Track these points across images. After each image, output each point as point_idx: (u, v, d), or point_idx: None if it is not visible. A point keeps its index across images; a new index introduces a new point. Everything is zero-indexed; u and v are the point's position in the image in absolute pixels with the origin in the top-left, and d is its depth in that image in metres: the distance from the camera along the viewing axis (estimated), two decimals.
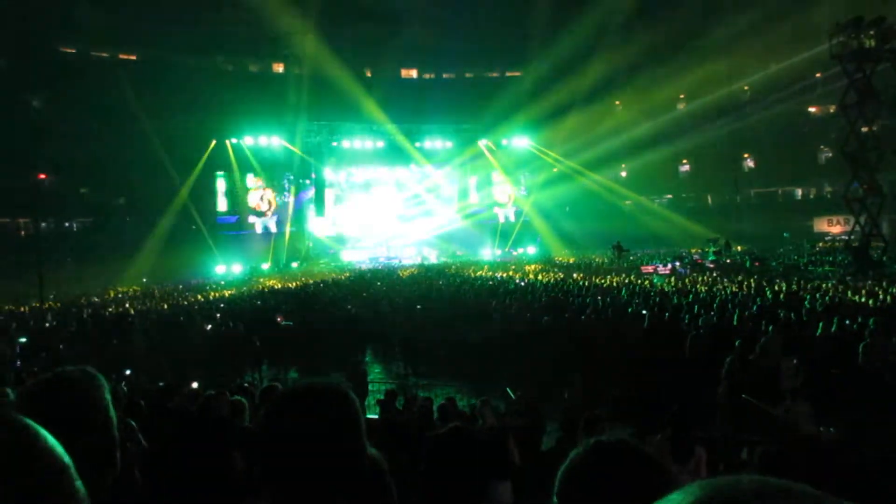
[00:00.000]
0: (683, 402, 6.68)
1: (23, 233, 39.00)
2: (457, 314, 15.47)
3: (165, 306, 21.45)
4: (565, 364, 10.61)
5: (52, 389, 1.52)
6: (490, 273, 28.42)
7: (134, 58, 42.22)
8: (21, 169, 36.56)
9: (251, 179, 43.53)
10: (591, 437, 1.44)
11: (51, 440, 0.72)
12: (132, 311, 20.04)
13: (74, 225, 41.82)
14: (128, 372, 10.93)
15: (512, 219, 49.21)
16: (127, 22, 38.55)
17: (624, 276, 24.02)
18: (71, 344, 14.39)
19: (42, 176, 39.02)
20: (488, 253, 45.80)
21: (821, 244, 34.54)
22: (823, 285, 17.56)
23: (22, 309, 23.17)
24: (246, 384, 9.32)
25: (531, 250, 46.09)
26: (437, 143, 46.19)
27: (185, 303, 22.54)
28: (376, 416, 7.79)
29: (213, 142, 40.78)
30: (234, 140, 41.53)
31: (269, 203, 44.16)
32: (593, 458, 1.38)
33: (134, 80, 37.56)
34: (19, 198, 36.41)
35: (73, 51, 40.48)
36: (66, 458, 0.73)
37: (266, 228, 43.91)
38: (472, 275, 27.77)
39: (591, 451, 1.40)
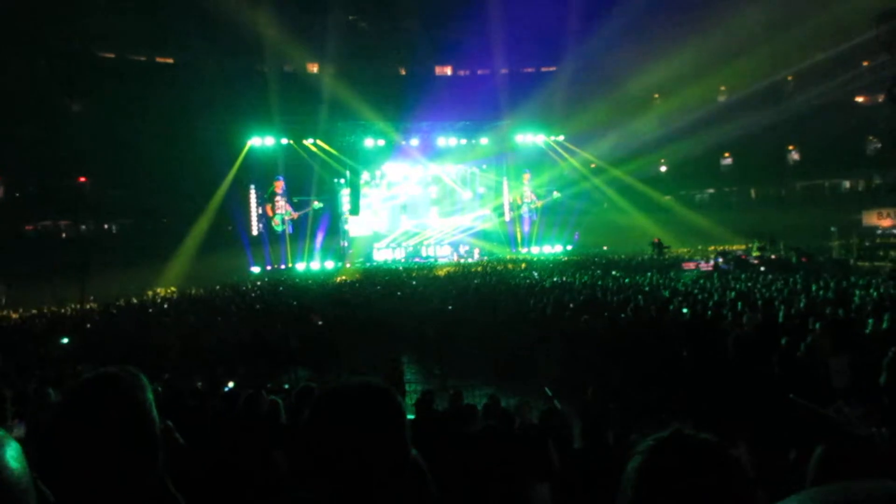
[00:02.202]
0: (723, 400, 6.57)
1: (64, 235, 40.05)
2: (493, 313, 15.45)
3: (201, 306, 21.78)
4: (603, 364, 10.52)
5: (95, 389, 1.56)
6: (528, 272, 28.31)
7: (171, 61, 43.01)
8: (62, 172, 37.59)
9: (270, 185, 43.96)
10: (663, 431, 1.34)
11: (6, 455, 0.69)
12: (170, 313, 20.38)
13: (113, 227, 42.78)
14: (166, 375, 11.12)
15: (547, 215, 48.96)
16: (163, 26, 39.29)
17: (664, 273, 23.74)
18: (109, 345, 14.70)
19: (82, 179, 40.08)
20: (525, 250, 45.71)
21: (869, 241, 33.68)
22: (873, 281, 17.12)
23: (64, 310, 23.76)
24: (286, 385, 9.42)
25: (569, 248, 45.87)
26: (472, 139, 46.08)
27: (222, 297, 22.87)
28: (413, 417, 7.81)
29: (249, 143, 41.35)
30: (269, 141, 42.01)
31: (283, 213, 44.33)
32: (675, 454, 1.27)
33: (171, 83, 38.27)
34: (60, 201, 37.45)
35: (112, 55, 41.39)
36: (20, 476, 0.71)
37: (281, 233, 44.09)
38: (506, 272, 27.74)
39: (671, 445, 1.29)
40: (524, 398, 6.86)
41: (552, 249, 46.11)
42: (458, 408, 7.78)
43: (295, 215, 44.20)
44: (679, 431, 1.31)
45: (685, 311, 12.91)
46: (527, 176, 48.77)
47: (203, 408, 6.81)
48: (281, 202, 44.28)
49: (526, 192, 48.97)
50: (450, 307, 17.33)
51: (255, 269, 39.53)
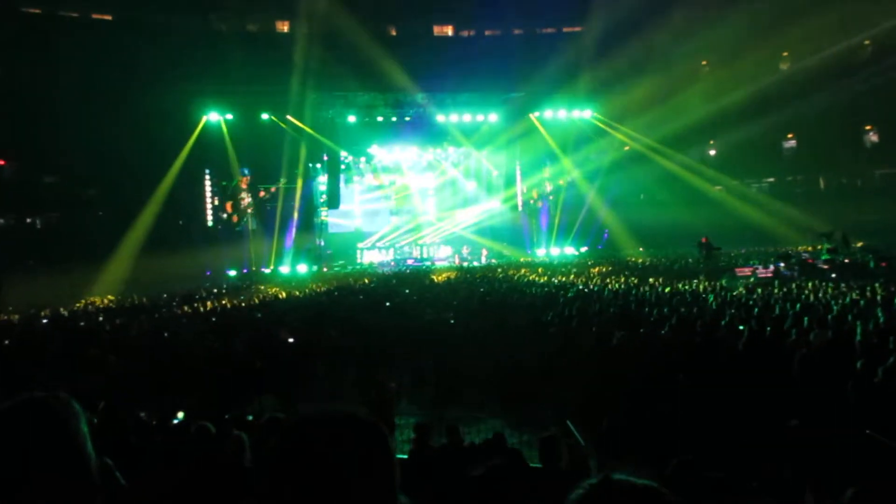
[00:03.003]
0: (787, 434, 6.58)
1: None
2: (504, 329, 15.45)
3: (146, 318, 21.79)
4: (637, 391, 10.52)
5: (18, 418, 1.55)
6: (545, 278, 28.33)
7: (109, 18, 42.91)
8: None
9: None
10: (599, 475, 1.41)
11: None
12: (106, 327, 20.37)
13: (38, 221, 42.71)
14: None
15: (569, 210, 48.93)
16: None
17: (713, 280, 23.76)
18: (32, 365, 14.67)
19: (0, 162, 40.01)
20: (542, 252, 45.69)
21: None
22: None
23: None
24: (250, 417, 9.41)
25: (598, 248, 45.91)
26: (478, 116, 45.95)
27: (171, 314, 22.90)
28: (405, 456, 7.81)
29: (204, 118, 41.28)
30: (229, 116, 41.94)
31: (246, 210, 44.41)
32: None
33: (109, 45, 38.13)
34: None
35: (38, 11, 41.29)
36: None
37: (243, 230, 44.10)
38: (520, 278, 27.79)
39: (601, 493, 1.36)
40: (547, 433, 6.83)
41: (576, 251, 46.09)
42: (456, 445, 7.80)
43: (250, 208, 44.18)
44: (608, 477, 1.38)
45: (741, 327, 12.90)
46: (547, 170, 48.69)
47: (148, 443, 6.81)
48: (246, 199, 44.30)
49: (546, 180, 48.93)
50: (451, 321, 17.34)
51: (211, 273, 39.53)
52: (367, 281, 31.94)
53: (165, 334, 17.82)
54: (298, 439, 1.38)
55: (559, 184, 49.00)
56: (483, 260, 44.08)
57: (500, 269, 34.51)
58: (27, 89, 36.78)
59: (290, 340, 16.14)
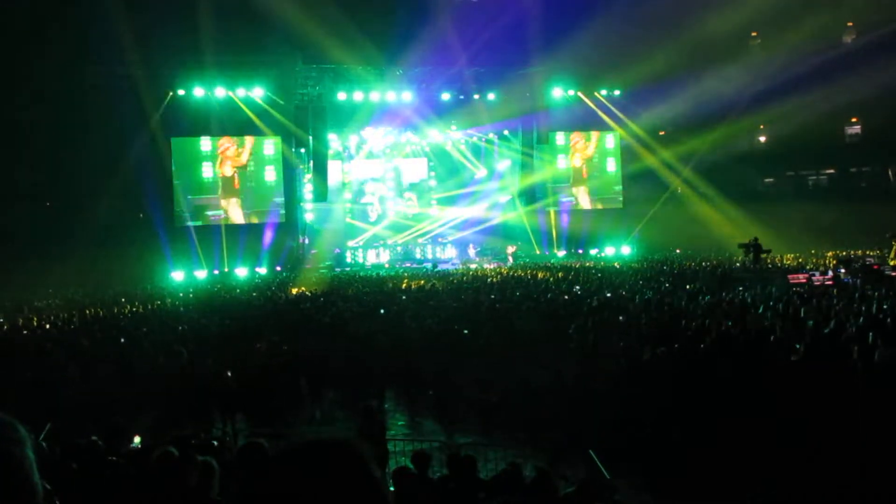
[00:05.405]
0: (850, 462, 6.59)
1: None
2: (516, 343, 15.46)
3: (98, 326, 21.81)
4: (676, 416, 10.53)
5: None
6: (565, 283, 28.31)
7: None
8: None
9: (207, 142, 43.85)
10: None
11: None
12: (55, 336, 20.37)
13: None
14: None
15: (595, 205, 48.88)
16: None
17: (761, 288, 23.71)
18: None
19: None
20: (562, 253, 45.68)
21: None
22: None
23: None
24: (215, 440, 9.41)
25: (625, 249, 45.82)
26: (488, 94, 45.85)
27: (128, 313, 22.91)
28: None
29: (170, 94, 41.13)
30: (198, 92, 41.76)
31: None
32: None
33: (54, 5, 37.99)
34: None
35: None
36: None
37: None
38: (537, 284, 27.79)
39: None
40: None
41: (601, 253, 46.03)
42: (461, 477, 7.79)
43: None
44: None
45: (798, 346, 12.88)
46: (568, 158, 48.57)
47: (102, 470, 6.81)
48: (215, 170, 44.18)
49: (567, 167, 48.76)
50: (465, 331, 17.35)
51: (178, 276, 39.45)
52: (357, 285, 31.88)
53: (122, 340, 17.86)
54: (282, 468, 1.39)
55: (582, 175, 48.93)
56: (510, 260, 44.05)
57: (512, 273, 34.48)
58: None
59: (286, 348, 16.18)
